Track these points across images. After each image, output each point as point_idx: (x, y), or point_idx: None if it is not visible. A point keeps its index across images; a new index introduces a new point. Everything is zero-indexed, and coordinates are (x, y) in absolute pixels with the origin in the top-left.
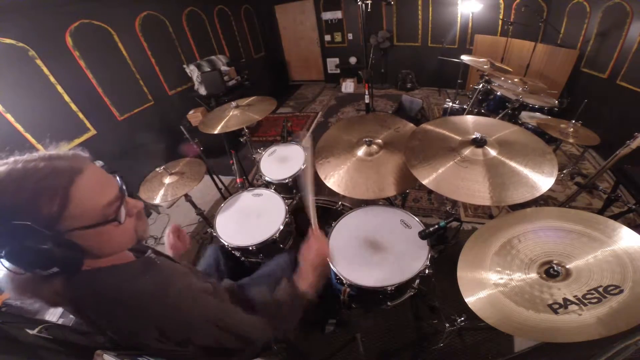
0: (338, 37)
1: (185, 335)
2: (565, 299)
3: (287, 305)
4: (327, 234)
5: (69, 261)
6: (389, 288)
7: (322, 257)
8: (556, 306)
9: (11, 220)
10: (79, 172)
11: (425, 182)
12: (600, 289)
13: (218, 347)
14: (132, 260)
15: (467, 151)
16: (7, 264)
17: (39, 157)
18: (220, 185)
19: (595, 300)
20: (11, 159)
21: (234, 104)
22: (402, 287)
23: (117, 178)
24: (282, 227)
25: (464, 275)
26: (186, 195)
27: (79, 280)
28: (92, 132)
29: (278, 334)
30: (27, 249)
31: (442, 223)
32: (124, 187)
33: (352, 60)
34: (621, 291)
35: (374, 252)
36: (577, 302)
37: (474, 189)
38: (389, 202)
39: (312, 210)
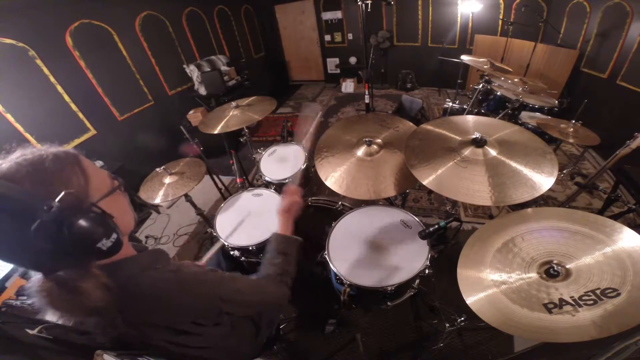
0: (338, 37)
1: (217, 309)
2: (561, 299)
3: (286, 258)
4: (327, 234)
5: (116, 229)
6: (389, 288)
7: (295, 209)
8: (551, 306)
9: (55, 197)
10: (75, 153)
11: (425, 182)
12: (598, 291)
13: (248, 315)
14: (141, 252)
15: (467, 151)
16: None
17: (37, 149)
18: (220, 185)
19: (591, 302)
20: (14, 155)
21: (234, 104)
22: (402, 287)
23: None
24: None
25: (464, 275)
26: (186, 195)
27: (111, 269)
28: (92, 132)
29: (289, 283)
30: (78, 223)
31: (442, 223)
32: None
33: (352, 60)
34: (618, 294)
35: (374, 252)
36: (573, 303)
37: (474, 189)
38: (389, 202)
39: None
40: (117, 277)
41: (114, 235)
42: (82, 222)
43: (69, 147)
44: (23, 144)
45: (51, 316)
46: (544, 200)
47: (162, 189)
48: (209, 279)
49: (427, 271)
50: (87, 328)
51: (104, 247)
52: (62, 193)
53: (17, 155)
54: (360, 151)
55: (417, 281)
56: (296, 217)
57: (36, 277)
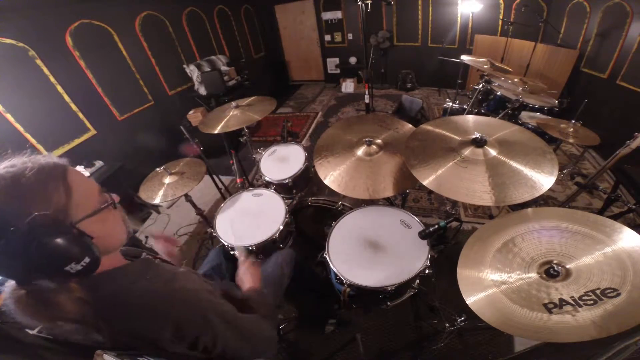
0: (338, 37)
1: (196, 332)
2: (561, 299)
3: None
4: (327, 234)
5: (85, 254)
6: (389, 288)
7: (254, 281)
8: (551, 306)
9: (27, 216)
10: (63, 164)
11: (425, 182)
12: (598, 291)
13: (224, 349)
14: (131, 262)
15: (467, 151)
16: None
17: (24, 160)
18: (220, 185)
19: (591, 302)
20: (2, 165)
21: (234, 104)
22: (402, 287)
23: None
24: (282, 227)
25: (464, 275)
26: (186, 195)
27: (92, 283)
28: (92, 132)
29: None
30: (46, 245)
31: (442, 223)
32: None
33: (352, 60)
34: (618, 294)
35: (374, 252)
36: (573, 303)
37: (474, 189)
38: (389, 202)
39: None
40: (101, 289)
41: (86, 260)
42: (50, 246)
43: (62, 156)
44: (19, 152)
45: (21, 321)
46: (544, 200)
47: (162, 189)
48: (201, 297)
49: (427, 271)
50: (65, 334)
51: (73, 270)
52: (33, 215)
53: (4, 165)
54: (360, 151)
55: (417, 281)
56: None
57: (10, 282)
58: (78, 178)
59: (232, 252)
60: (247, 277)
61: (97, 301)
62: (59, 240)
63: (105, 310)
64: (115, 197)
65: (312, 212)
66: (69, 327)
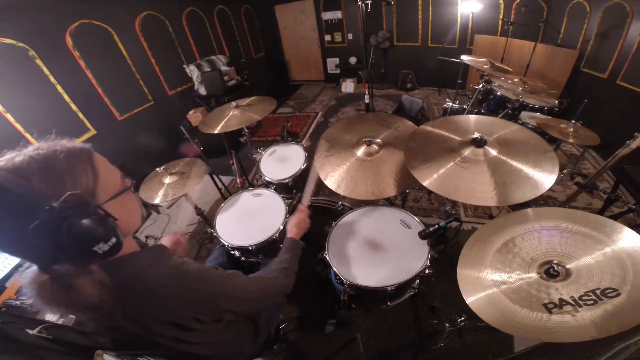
0: (338, 37)
1: (218, 306)
2: (561, 299)
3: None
4: (327, 234)
5: (115, 233)
6: (389, 288)
7: (302, 229)
8: (551, 306)
9: (59, 197)
10: (89, 149)
11: (425, 183)
12: (598, 291)
13: (250, 311)
14: (145, 248)
15: (468, 151)
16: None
17: (53, 143)
18: (220, 185)
19: (591, 302)
20: (30, 148)
21: (234, 104)
22: (402, 287)
23: None
24: (282, 227)
25: (464, 275)
26: (186, 195)
27: (113, 266)
28: (92, 132)
29: (287, 284)
30: (78, 225)
31: (442, 223)
32: None
33: (352, 60)
34: (618, 294)
35: (374, 252)
36: (573, 303)
37: (475, 189)
38: (389, 202)
39: (308, 189)
40: (119, 273)
41: (113, 240)
42: (82, 225)
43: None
44: (43, 137)
45: (39, 307)
46: (544, 200)
47: (162, 189)
48: (211, 275)
49: (427, 271)
50: (81, 320)
51: (101, 250)
52: (66, 194)
53: (33, 148)
54: (360, 151)
55: (417, 281)
56: (302, 233)
57: (32, 268)
58: (102, 162)
59: (232, 252)
60: (295, 229)
61: (117, 285)
62: (88, 221)
63: (124, 293)
64: (130, 182)
65: (312, 212)
66: (86, 314)
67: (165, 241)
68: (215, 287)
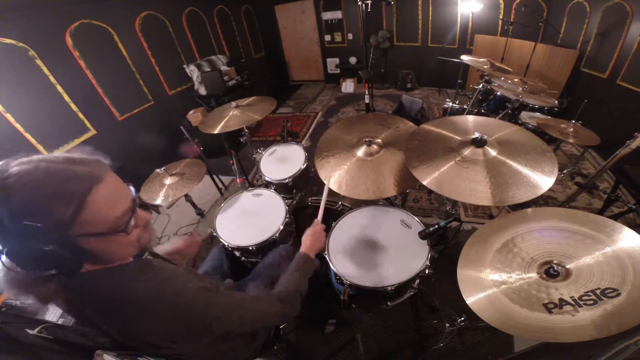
0: (338, 37)
1: (203, 326)
2: (561, 299)
3: (298, 276)
4: (327, 234)
5: (69, 265)
6: (389, 288)
7: (317, 246)
8: (551, 306)
9: (23, 219)
10: (98, 180)
11: (425, 182)
12: (598, 291)
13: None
14: (128, 262)
15: (468, 151)
16: (5, 260)
17: (63, 159)
18: (220, 185)
19: (591, 302)
20: (35, 158)
21: (234, 104)
22: (402, 287)
23: (131, 189)
24: (282, 227)
25: (464, 275)
26: (186, 196)
27: (77, 282)
28: (92, 132)
29: (289, 311)
30: (31, 249)
31: (442, 223)
32: (136, 199)
33: (352, 60)
34: (618, 294)
35: (374, 252)
36: (573, 303)
37: (475, 189)
38: (389, 202)
39: (322, 206)
40: (99, 286)
41: (52, 271)
42: (32, 249)
43: (105, 161)
44: (30, 150)
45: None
46: (544, 200)
47: (162, 190)
48: (198, 297)
49: (427, 271)
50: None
51: (51, 274)
52: (24, 223)
53: (48, 160)
54: (360, 151)
55: (417, 281)
56: (317, 248)
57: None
58: (102, 198)
59: (231, 250)
60: (309, 241)
61: (93, 298)
62: (36, 247)
63: (102, 307)
64: (148, 216)
65: (312, 212)
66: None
67: (179, 243)
68: (198, 309)
